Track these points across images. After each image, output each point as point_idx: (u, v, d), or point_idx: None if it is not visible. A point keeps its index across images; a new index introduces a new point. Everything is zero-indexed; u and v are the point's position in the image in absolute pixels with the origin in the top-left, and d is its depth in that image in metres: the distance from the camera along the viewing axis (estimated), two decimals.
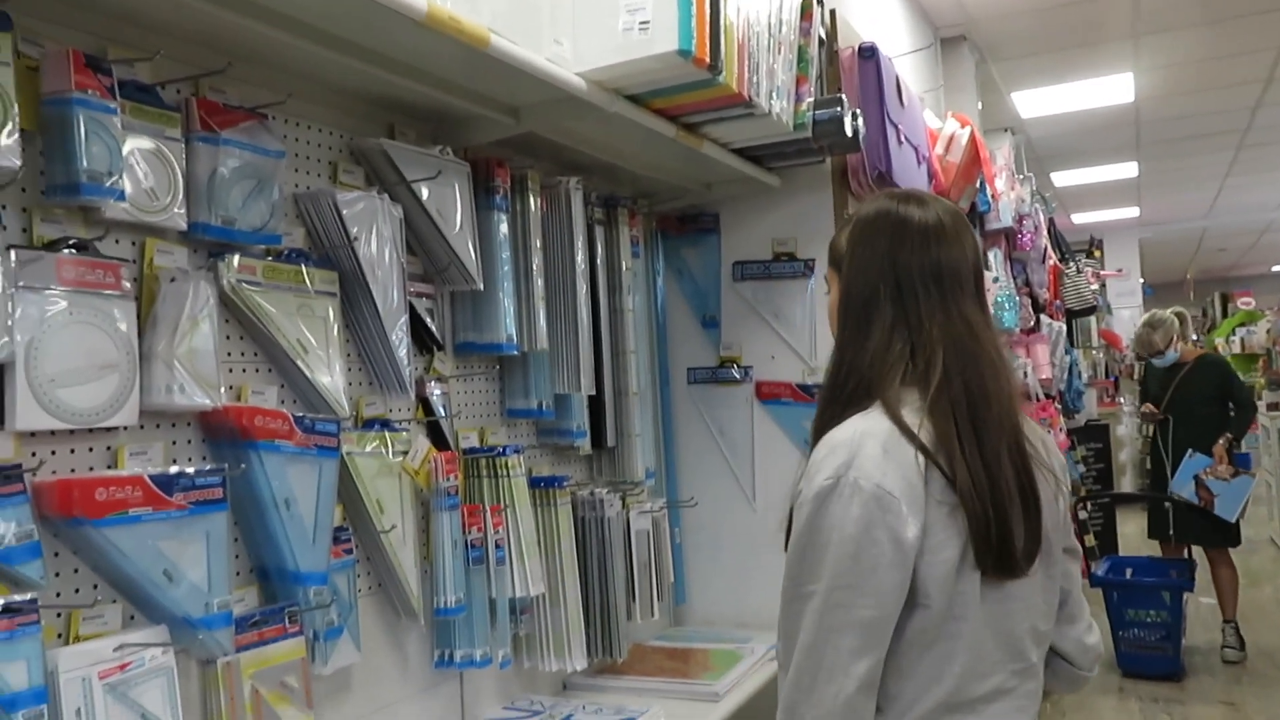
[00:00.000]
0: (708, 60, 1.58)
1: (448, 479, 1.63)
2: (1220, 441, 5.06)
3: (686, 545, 2.52)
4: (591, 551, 1.99)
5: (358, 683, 1.53)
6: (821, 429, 1.23)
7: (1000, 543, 1.14)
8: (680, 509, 2.48)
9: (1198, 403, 5.25)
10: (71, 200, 1.12)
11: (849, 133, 2.16)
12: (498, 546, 1.70)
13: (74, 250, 1.14)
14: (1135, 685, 4.72)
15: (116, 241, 1.21)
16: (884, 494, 1.12)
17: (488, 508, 1.70)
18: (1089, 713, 4.41)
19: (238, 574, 1.34)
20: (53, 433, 1.13)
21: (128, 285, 1.18)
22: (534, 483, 1.86)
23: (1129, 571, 5.14)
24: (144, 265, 1.24)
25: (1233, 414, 5.14)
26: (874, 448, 1.14)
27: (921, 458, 1.14)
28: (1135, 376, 7.25)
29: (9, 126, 1.04)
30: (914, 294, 1.24)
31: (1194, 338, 9.52)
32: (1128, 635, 4.81)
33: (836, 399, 1.26)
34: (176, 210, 1.24)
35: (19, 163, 1.04)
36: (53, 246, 1.12)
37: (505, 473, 1.74)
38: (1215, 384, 5.27)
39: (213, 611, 1.20)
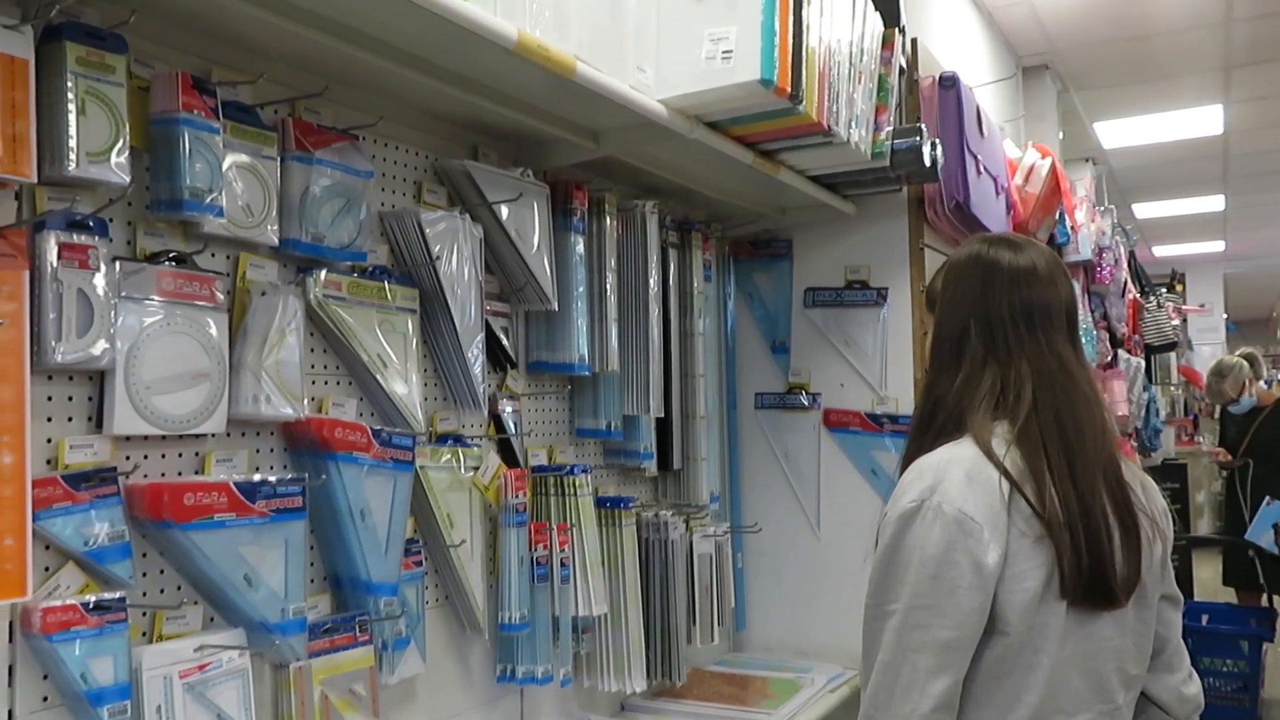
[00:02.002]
0: (789, 90, 1.58)
1: (517, 496, 1.65)
2: None
3: (748, 571, 2.51)
4: (654, 573, 2.00)
5: (422, 693, 1.56)
6: (909, 459, 1.27)
7: (1093, 573, 1.15)
8: (744, 534, 2.47)
9: (1278, 447, 5.07)
10: (174, 215, 1.16)
11: (927, 162, 2.15)
12: (563, 565, 1.71)
13: (173, 263, 1.18)
14: None
15: (212, 255, 1.26)
16: (966, 519, 1.14)
17: (554, 526, 1.72)
18: None
19: (311, 581, 1.37)
20: (145, 438, 1.17)
21: (221, 297, 1.23)
22: (600, 503, 1.87)
23: (1205, 618, 4.96)
24: (237, 278, 1.28)
25: None
26: (958, 474, 1.18)
27: (1006, 485, 1.16)
28: (1215, 415, 7.04)
29: (120, 144, 1.09)
30: (1003, 330, 1.28)
31: (1266, 379, 9.19)
32: (1203, 685, 4.64)
33: (925, 431, 1.30)
34: (270, 226, 1.29)
35: (129, 178, 1.09)
36: (154, 259, 1.17)
37: (572, 491, 1.76)
38: None
39: (288, 617, 1.24)
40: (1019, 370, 1.25)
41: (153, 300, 1.15)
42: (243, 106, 1.27)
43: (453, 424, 1.62)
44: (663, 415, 2.06)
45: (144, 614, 1.16)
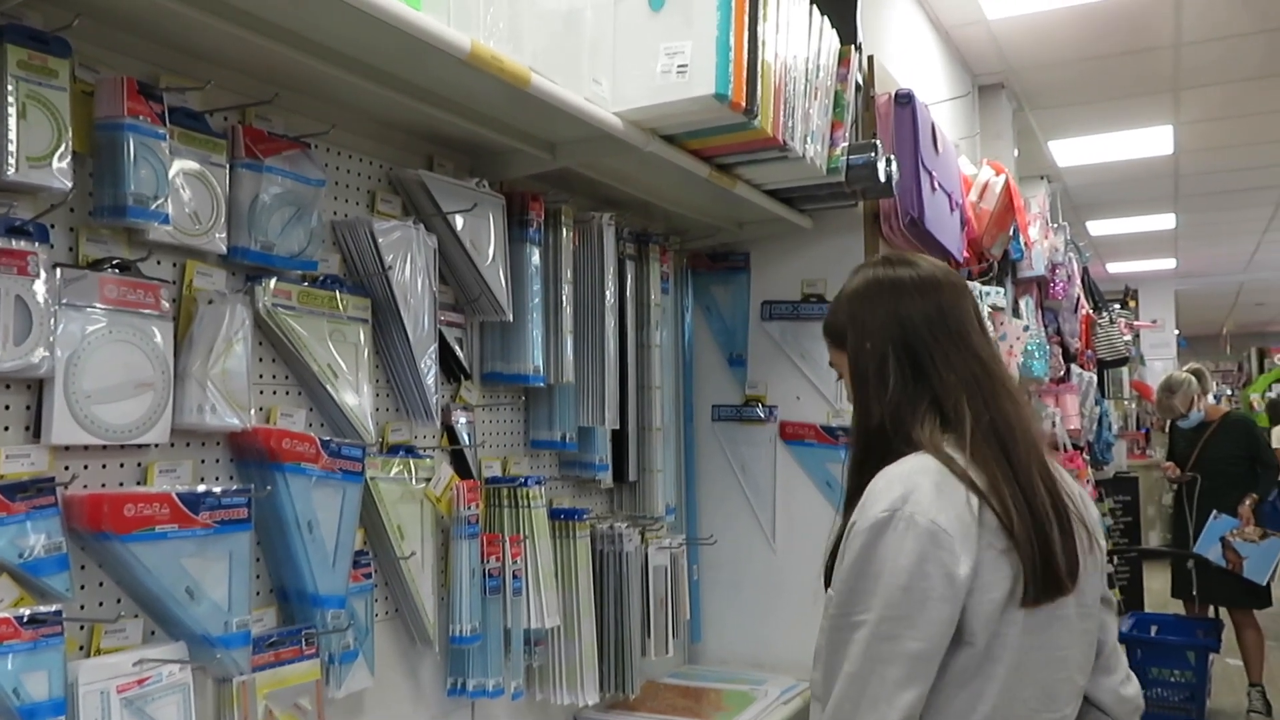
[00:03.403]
0: (744, 104, 1.60)
1: (469, 507, 1.64)
2: (1246, 502, 4.98)
3: (704, 583, 2.51)
4: (608, 585, 1.99)
5: (370, 707, 1.54)
6: (860, 484, 1.25)
7: (1044, 565, 1.16)
8: (699, 546, 2.47)
9: (1224, 462, 5.18)
10: (118, 222, 1.15)
11: (882, 178, 2.17)
12: (515, 577, 1.70)
13: (117, 270, 1.17)
14: None
15: (158, 263, 1.24)
16: (938, 530, 1.14)
17: (507, 538, 1.71)
18: None
19: (257, 594, 1.35)
20: (86, 447, 1.15)
21: (166, 305, 1.21)
22: (554, 514, 1.87)
23: (1154, 629, 5.05)
24: (183, 286, 1.27)
25: (1259, 473, 5.08)
26: (928, 485, 1.17)
27: (975, 499, 1.16)
28: (1165, 429, 7.19)
29: (62, 149, 1.07)
30: (924, 344, 1.28)
31: (1215, 394, 9.40)
32: (1150, 695, 4.71)
33: (871, 453, 1.29)
34: (218, 234, 1.27)
35: (70, 184, 1.07)
36: (97, 266, 1.15)
37: (526, 503, 1.75)
38: (1241, 443, 5.21)
39: (232, 630, 1.22)
40: (948, 382, 1.25)
41: (95, 308, 1.13)
42: (191, 113, 1.25)
43: (405, 435, 1.61)
44: (619, 427, 2.06)
45: (81, 627, 1.14)
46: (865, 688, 1.13)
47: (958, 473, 1.18)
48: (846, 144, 2.13)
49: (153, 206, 1.16)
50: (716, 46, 1.54)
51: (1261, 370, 15.87)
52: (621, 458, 2.12)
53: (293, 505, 1.32)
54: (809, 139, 1.94)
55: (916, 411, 1.26)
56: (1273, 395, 12.87)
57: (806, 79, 1.92)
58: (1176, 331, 12.62)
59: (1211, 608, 5.19)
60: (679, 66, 1.56)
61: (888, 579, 1.14)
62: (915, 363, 1.28)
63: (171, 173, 1.20)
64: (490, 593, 1.67)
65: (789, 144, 1.84)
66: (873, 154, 2.16)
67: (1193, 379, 5.40)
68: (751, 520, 2.47)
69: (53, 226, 1.12)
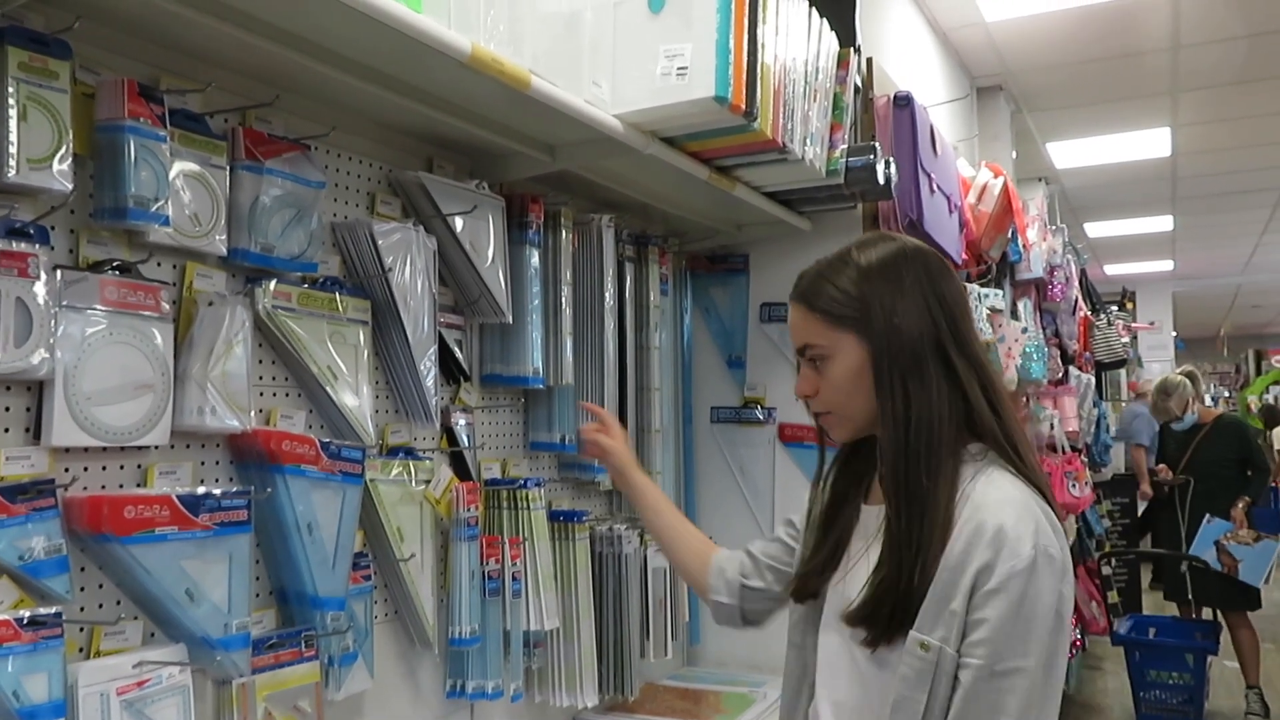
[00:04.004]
0: (743, 107, 1.60)
1: (468, 509, 1.64)
2: (1239, 505, 4.99)
3: None
4: (607, 587, 1.99)
5: (369, 709, 1.54)
6: (921, 504, 1.10)
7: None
8: None
9: (1217, 465, 5.19)
10: (118, 224, 1.15)
11: (881, 180, 2.18)
12: (515, 579, 1.70)
13: (117, 272, 1.17)
14: None
15: (158, 264, 1.24)
16: (1065, 563, 1.08)
17: (506, 540, 1.71)
18: None
19: (257, 596, 1.35)
20: (86, 449, 1.15)
21: (167, 307, 1.21)
22: (553, 516, 1.87)
23: (1152, 631, 5.05)
24: (183, 288, 1.27)
25: (1251, 476, 5.10)
26: (1040, 513, 1.09)
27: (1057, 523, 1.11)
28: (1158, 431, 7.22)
29: (62, 151, 1.07)
30: (960, 334, 1.16)
31: (1214, 396, 9.45)
32: (1149, 697, 4.72)
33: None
34: (218, 236, 1.27)
35: (71, 186, 1.08)
36: (97, 268, 1.15)
37: (525, 505, 1.75)
38: (1234, 446, 5.23)
39: (231, 632, 1.22)
40: (969, 382, 1.14)
41: (95, 310, 1.13)
42: (191, 115, 1.26)
43: (404, 437, 1.61)
44: None
45: (81, 629, 1.14)
46: None
47: (1043, 496, 1.12)
48: (845, 146, 2.13)
49: (153, 208, 1.16)
50: (716, 49, 1.55)
51: (1259, 372, 15.89)
52: None
53: (292, 507, 1.32)
54: (808, 141, 1.94)
55: (954, 419, 1.13)
56: (1269, 399, 12.91)
57: (806, 81, 1.93)
58: (1174, 333, 12.63)
59: (1202, 610, 5.19)
60: (679, 69, 1.56)
61: (1041, 621, 1.05)
62: (945, 357, 1.14)
63: (172, 175, 1.20)
64: (489, 595, 1.67)
65: (788, 146, 1.84)
66: (872, 156, 2.16)
67: (1187, 382, 5.42)
68: (750, 522, 2.47)
69: (53, 228, 1.12)
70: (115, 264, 1.17)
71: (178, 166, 1.22)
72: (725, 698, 2.17)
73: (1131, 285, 10.73)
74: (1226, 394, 15.78)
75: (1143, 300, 11.49)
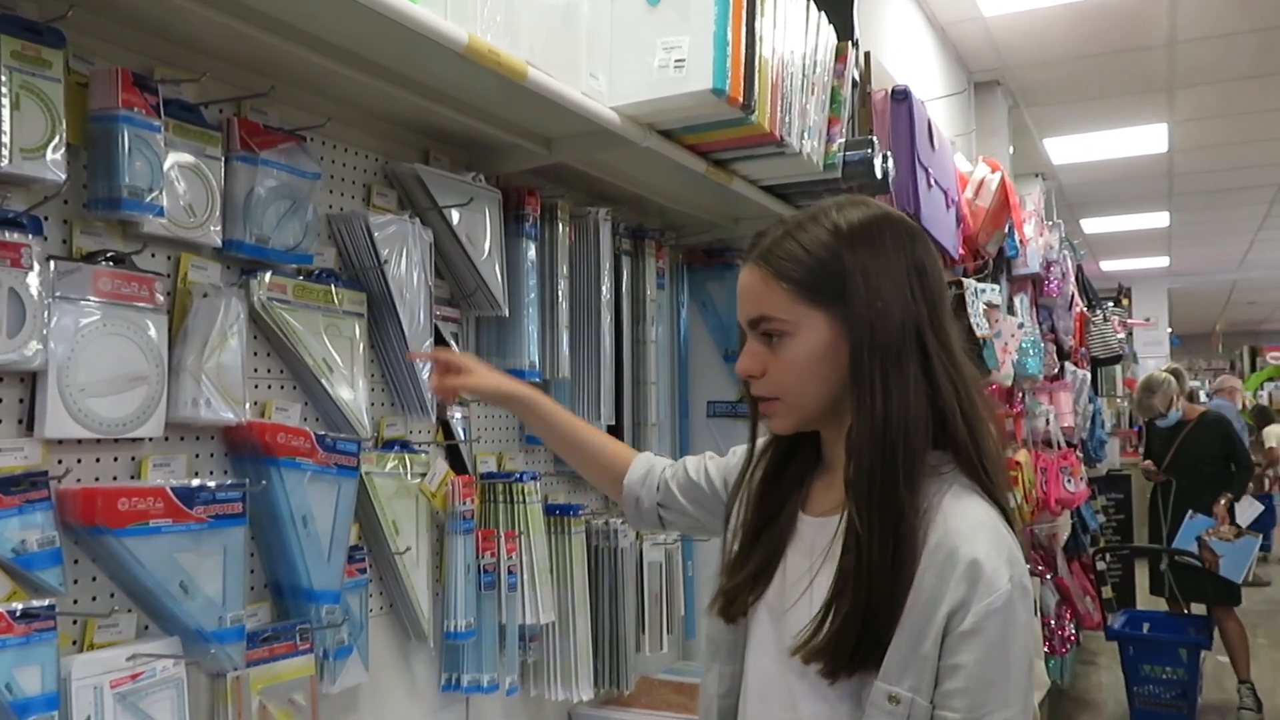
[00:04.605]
0: (741, 100, 1.59)
1: (464, 503, 1.63)
2: (1221, 501, 5.02)
3: (699, 579, 2.51)
4: (603, 581, 1.99)
5: (364, 703, 1.53)
6: (892, 516, 0.98)
7: None
8: (694, 543, 2.47)
9: (1200, 461, 5.22)
10: (112, 214, 1.14)
11: (879, 174, 2.17)
12: (510, 572, 1.70)
13: (111, 263, 1.16)
14: None
15: (152, 255, 1.23)
16: (1031, 591, 0.99)
17: (502, 533, 1.71)
18: None
19: (251, 589, 1.34)
20: (79, 441, 1.14)
21: (161, 299, 1.20)
22: (549, 510, 1.86)
23: (1146, 626, 5.07)
24: (178, 280, 1.26)
25: (1234, 472, 5.14)
26: (1011, 539, 1.00)
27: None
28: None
29: (56, 140, 1.07)
30: (940, 320, 1.04)
31: (1208, 392, 9.51)
32: (1143, 691, 4.74)
33: (907, 475, 0.99)
34: (213, 227, 1.26)
35: (64, 176, 1.07)
36: (91, 258, 1.15)
37: (521, 499, 1.75)
38: (1218, 443, 5.25)
39: (226, 625, 1.21)
40: (944, 380, 1.01)
41: (89, 301, 1.13)
42: (186, 105, 1.25)
43: (400, 430, 1.60)
44: (614, 423, 2.05)
45: (74, 622, 1.13)
46: None
47: (1005, 516, 1.03)
48: (843, 140, 2.13)
49: (147, 199, 1.15)
50: (714, 41, 1.54)
51: (1254, 369, 15.93)
52: None
53: (288, 500, 1.31)
54: (806, 135, 1.94)
55: (928, 421, 1.01)
56: (1262, 398, 12.94)
57: (804, 74, 1.92)
58: (1169, 330, 12.66)
59: (1189, 606, 5.22)
60: (676, 61, 1.55)
61: (1018, 662, 0.95)
62: (924, 349, 1.01)
63: (166, 165, 1.19)
64: (485, 588, 1.67)
65: (786, 140, 1.83)
66: (869, 150, 2.15)
67: (1172, 379, 5.44)
68: None
69: (46, 219, 1.11)
70: (109, 255, 1.16)
71: (172, 157, 1.21)
72: None
73: (1127, 281, 10.76)
74: (1210, 391, 15.83)
75: (1138, 296, 11.52)
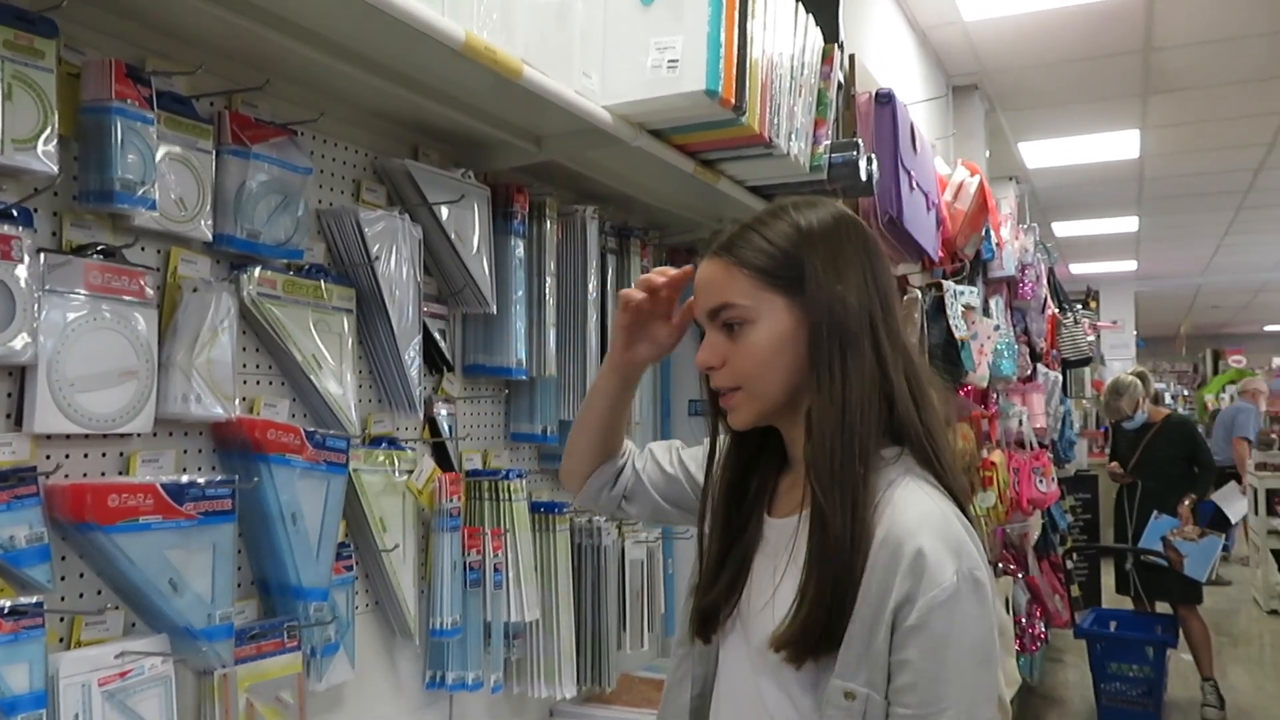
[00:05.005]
0: (733, 101, 1.60)
1: (451, 500, 1.63)
2: (1185, 502, 5.11)
3: (679, 577, 2.52)
4: (586, 579, 1.99)
5: (350, 700, 1.53)
6: (856, 494, 1.00)
7: None
8: (675, 540, 2.48)
9: (1165, 463, 5.31)
10: (104, 207, 1.13)
11: (864, 177, 2.19)
12: (496, 570, 1.70)
13: (101, 256, 1.14)
14: None
15: (142, 249, 1.22)
16: (988, 585, 0.99)
17: (488, 531, 1.70)
18: None
19: (238, 586, 1.33)
20: (68, 436, 1.13)
21: (150, 293, 1.19)
22: (534, 508, 1.86)
23: (1113, 624, 5.15)
24: (167, 274, 1.25)
25: (1197, 474, 5.24)
26: (962, 529, 1.01)
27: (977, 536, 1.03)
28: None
29: (48, 132, 1.05)
30: (892, 315, 1.07)
31: (1173, 394, 9.74)
32: (1110, 689, 4.81)
33: (863, 453, 1.02)
34: (203, 221, 1.25)
35: (57, 168, 1.05)
36: (81, 252, 1.13)
37: (507, 496, 1.75)
38: (1182, 444, 5.34)
39: (215, 623, 1.20)
40: (895, 371, 1.05)
41: (79, 294, 1.11)
42: (177, 97, 1.23)
43: (387, 426, 1.60)
44: None
45: (61, 619, 1.12)
46: None
47: (963, 506, 1.04)
48: (829, 142, 2.14)
49: (140, 192, 1.13)
50: (708, 42, 1.54)
51: (1216, 372, 16.19)
52: None
53: (277, 497, 1.30)
54: (793, 136, 1.95)
55: (881, 409, 1.04)
56: (1224, 401, 13.16)
57: (792, 76, 1.93)
58: (1135, 332, 12.85)
59: (1154, 605, 5.31)
60: (669, 61, 1.55)
61: (972, 655, 0.96)
62: (878, 341, 1.05)
63: (157, 158, 1.18)
64: (471, 586, 1.66)
65: (774, 141, 1.84)
66: (855, 152, 2.17)
67: (1138, 381, 5.53)
68: None
69: (35, 211, 1.10)
70: (99, 248, 1.15)
71: (163, 149, 1.20)
72: None
73: (1095, 284, 10.91)
74: (1185, 393, 16.08)
75: (1106, 299, 11.68)
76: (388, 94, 1.45)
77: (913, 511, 1.00)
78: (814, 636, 0.99)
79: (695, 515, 1.21)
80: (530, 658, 1.85)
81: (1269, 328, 17.35)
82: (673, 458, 1.36)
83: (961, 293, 3.09)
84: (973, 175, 3.36)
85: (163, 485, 1.15)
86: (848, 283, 1.05)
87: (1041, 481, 4.17)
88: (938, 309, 3.00)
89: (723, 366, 1.09)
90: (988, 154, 5.42)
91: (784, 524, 1.10)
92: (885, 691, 0.97)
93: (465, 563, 1.66)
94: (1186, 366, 18.08)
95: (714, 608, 1.13)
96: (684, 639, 1.20)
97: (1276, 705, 5.30)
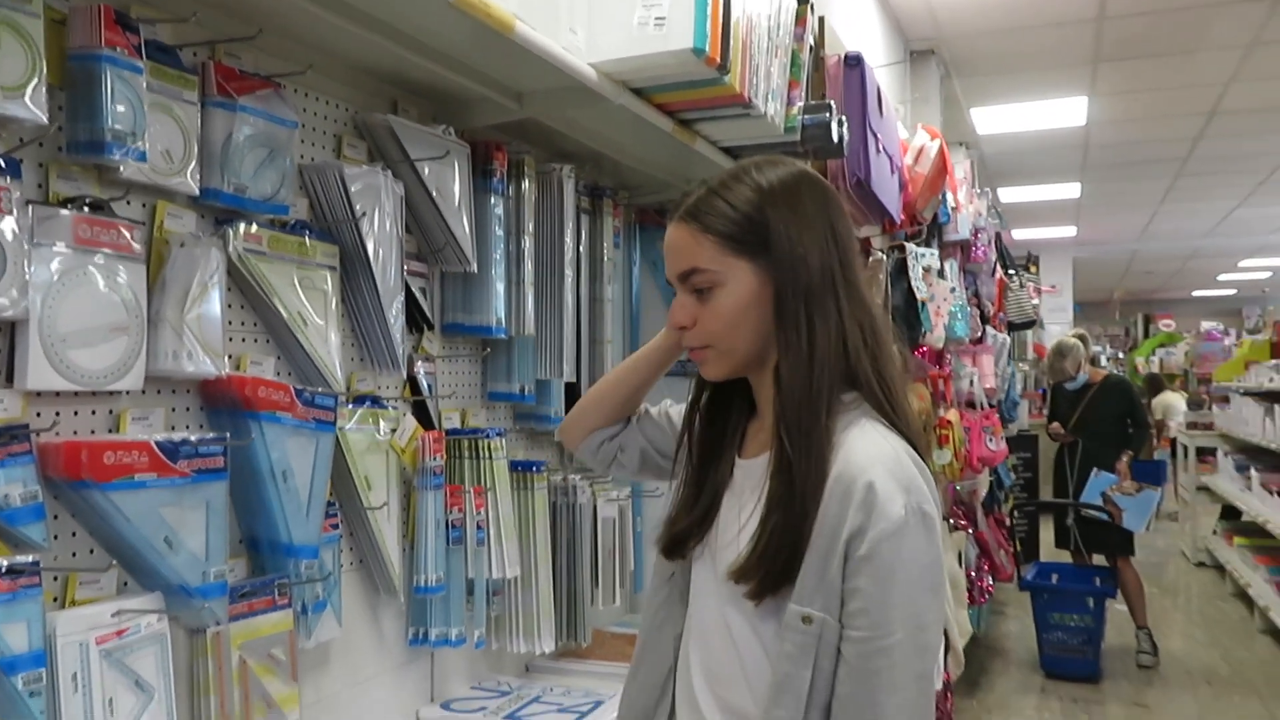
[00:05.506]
0: (718, 60, 1.60)
1: (434, 459, 1.63)
2: (1123, 459, 5.30)
3: (647, 535, 2.55)
4: (562, 537, 2.01)
5: (336, 656, 1.53)
6: (820, 443, 1.06)
7: None
8: (644, 499, 2.50)
9: (1104, 422, 5.50)
10: (94, 159, 1.10)
11: (835, 139, 2.21)
12: (479, 528, 1.70)
13: (89, 209, 1.12)
14: (1057, 686, 4.91)
15: (128, 203, 1.19)
16: (938, 519, 1.05)
17: (470, 489, 1.71)
18: (1012, 711, 4.57)
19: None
20: (58, 394, 1.11)
21: (138, 248, 1.17)
22: (512, 466, 1.87)
23: (1055, 577, 5.33)
24: (153, 228, 1.22)
25: (1132, 432, 5.44)
26: (914, 467, 1.06)
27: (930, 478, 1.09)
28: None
29: (36, 80, 1.02)
30: (853, 270, 1.12)
31: (1107, 356, 10.02)
32: (1051, 638, 5.00)
33: (828, 403, 1.08)
34: (190, 174, 1.23)
35: (46, 117, 1.02)
36: (68, 204, 1.10)
37: (487, 455, 1.75)
38: (1120, 404, 5.53)
39: (209, 581, 1.19)
40: (852, 324, 1.10)
41: (68, 248, 1.08)
42: (162, 46, 1.20)
43: (370, 385, 1.59)
44: (574, 380, 2.06)
45: (55, 578, 1.10)
46: (925, 715, 1.01)
47: (916, 448, 1.09)
48: (802, 104, 2.15)
49: (130, 143, 1.11)
50: (695, 1, 1.54)
51: (1147, 335, 16.66)
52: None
53: (268, 454, 1.29)
54: (770, 97, 1.95)
55: (841, 359, 1.09)
56: (1154, 367, 13.56)
57: (769, 37, 1.93)
58: (1072, 297, 13.15)
59: (1092, 558, 5.52)
60: (656, 19, 1.55)
61: (915, 584, 1.01)
62: (837, 295, 1.10)
63: (146, 108, 1.15)
64: (453, 543, 1.67)
65: (753, 101, 1.85)
66: (827, 114, 2.19)
67: (1080, 344, 5.69)
68: None
69: (21, 162, 1.06)
70: (86, 200, 1.12)
71: (149, 100, 1.17)
72: None
73: (1036, 250, 11.12)
74: (1118, 355, 16.56)
75: (1045, 264, 11.91)
76: (371, 46, 1.42)
77: (866, 450, 1.05)
78: (773, 567, 1.05)
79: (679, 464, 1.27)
80: (509, 614, 1.86)
81: (1197, 293, 17.88)
82: (662, 409, 1.45)
83: (922, 255, 3.14)
84: (933, 139, 3.40)
85: (157, 443, 1.13)
86: (810, 242, 1.09)
87: (992, 440, 4.28)
88: (900, 270, 3.04)
89: (694, 326, 1.14)
90: (941, 120, 5.48)
91: (751, 464, 1.16)
92: (839, 616, 1.02)
93: (448, 520, 1.66)
94: (1119, 330, 18.59)
95: (685, 534, 1.20)
96: (660, 584, 1.26)
97: (1204, 651, 5.56)
